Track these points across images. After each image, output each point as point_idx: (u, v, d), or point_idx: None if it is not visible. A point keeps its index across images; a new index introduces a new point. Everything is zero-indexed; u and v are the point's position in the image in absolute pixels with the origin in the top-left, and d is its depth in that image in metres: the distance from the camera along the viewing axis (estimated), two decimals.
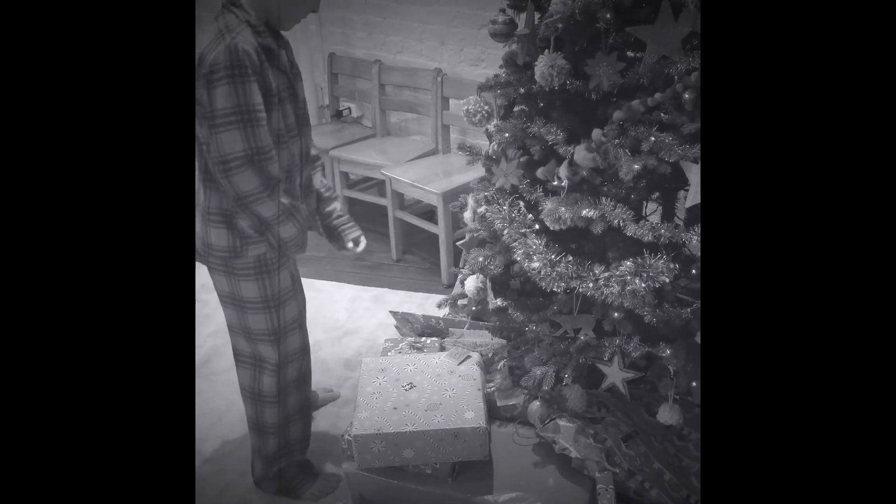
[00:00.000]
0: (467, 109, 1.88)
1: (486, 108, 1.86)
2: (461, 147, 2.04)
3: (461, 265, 2.37)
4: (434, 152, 3.29)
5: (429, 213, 3.31)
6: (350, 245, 1.93)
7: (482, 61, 3.13)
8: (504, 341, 2.06)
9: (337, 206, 1.94)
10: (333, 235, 1.94)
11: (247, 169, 1.52)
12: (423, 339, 2.12)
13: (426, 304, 2.89)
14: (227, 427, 2.28)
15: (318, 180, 1.91)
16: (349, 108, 3.70)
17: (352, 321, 2.79)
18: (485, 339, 2.04)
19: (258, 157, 1.52)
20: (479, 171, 2.17)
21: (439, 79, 3.17)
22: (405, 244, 3.30)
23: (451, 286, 3.00)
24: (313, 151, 1.87)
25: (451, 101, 3.20)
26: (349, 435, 1.77)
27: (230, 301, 1.77)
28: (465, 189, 2.95)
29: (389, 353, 2.12)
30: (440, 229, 2.94)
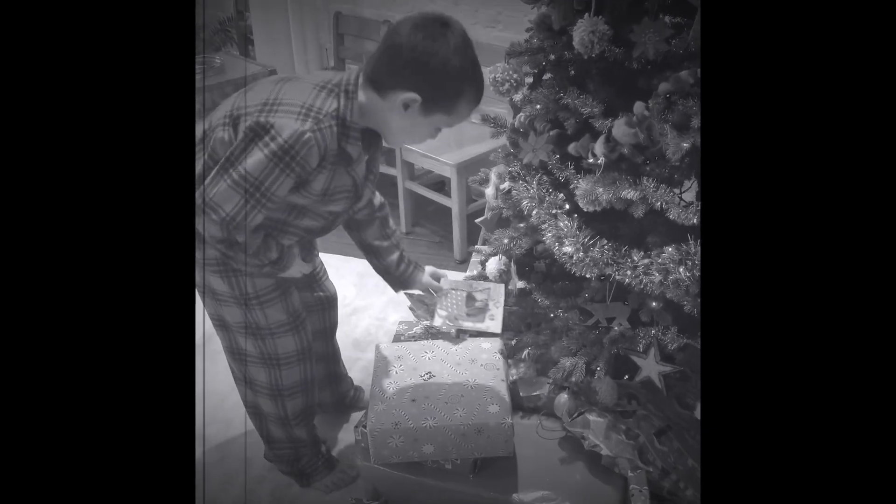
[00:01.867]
0: (494, 78, 1.72)
1: (514, 76, 1.71)
2: (484, 118, 1.89)
3: (480, 243, 2.24)
4: None
5: (439, 184, 3.17)
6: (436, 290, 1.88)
7: (498, 23, 2.96)
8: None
9: (394, 258, 1.83)
10: (403, 284, 1.86)
11: (216, 225, 1.38)
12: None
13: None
14: (232, 410, 2.17)
15: (375, 232, 1.80)
16: None
17: (360, 298, 2.67)
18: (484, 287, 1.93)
19: (233, 224, 1.38)
20: (493, 140, 2.02)
21: None
22: (415, 216, 3.16)
23: (464, 262, 2.88)
24: (377, 200, 1.80)
25: None
26: (364, 427, 1.66)
27: (204, 291, 1.64)
28: (480, 160, 2.80)
29: (403, 338, 2.00)
30: (453, 202, 2.80)
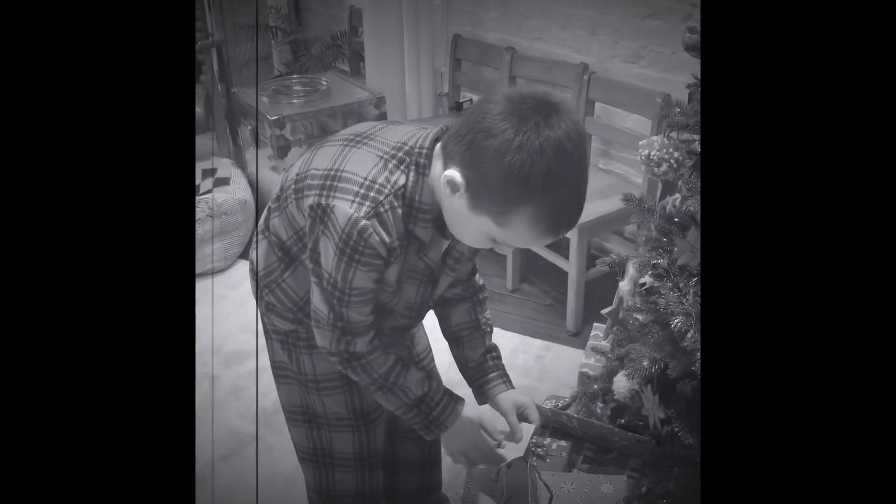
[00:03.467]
0: (648, 155, 1.34)
1: (676, 156, 1.32)
2: (626, 199, 1.50)
3: (605, 335, 1.85)
4: None
5: None
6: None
7: (641, 59, 2.54)
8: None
9: (477, 354, 1.40)
10: (477, 389, 1.40)
11: (329, 332, 1.17)
12: (548, 440, 1.63)
13: (546, 358, 2.38)
14: (300, 498, 1.87)
15: (463, 316, 1.40)
16: (471, 101, 3.19)
17: (454, 371, 2.32)
18: None
19: (342, 325, 1.16)
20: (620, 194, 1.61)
21: (585, 76, 2.60)
22: (523, 271, 2.79)
23: (577, 334, 2.49)
24: (477, 281, 1.42)
25: (598, 105, 2.63)
26: None
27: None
28: (606, 221, 2.41)
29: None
30: (571, 266, 2.41)
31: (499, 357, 1.41)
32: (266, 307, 1.31)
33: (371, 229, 1.05)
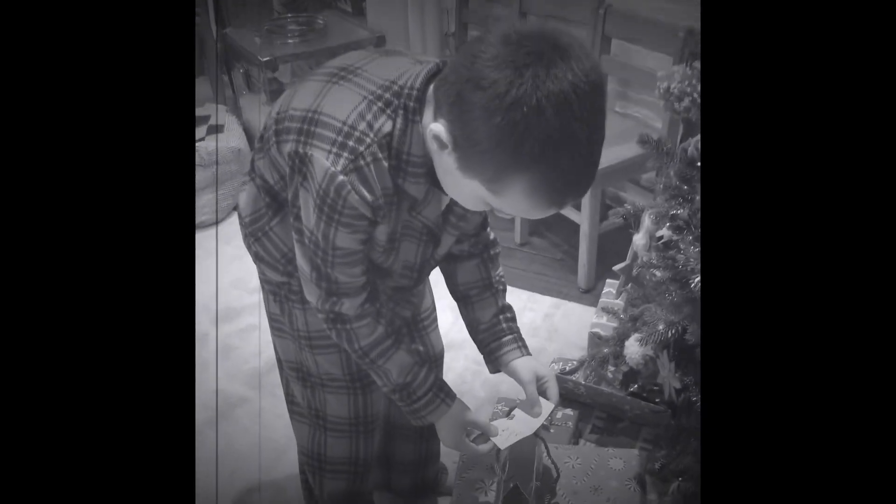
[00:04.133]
0: (667, 88, 1.16)
1: (700, 88, 1.14)
2: (642, 140, 1.33)
3: (617, 293, 1.70)
4: None
5: None
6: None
7: None
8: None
9: (488, 315, 1.25)
10: (488, 356, 1.27)
11: (316, 288, 1.06)
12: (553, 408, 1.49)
13: (555, 316, 2.24)
14: (292, 465, 1.76)
15: (471, 273, 1.25)
16: None
17: (458, 329, 2.17)
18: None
19: (327, 285, 1.05)
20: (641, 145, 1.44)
21: (601, 11, 2.39)
22: (532, 223, 2.63)
23: (588, 291, 2.33)
24: (488, 236, 1.27)
25: (614, 42, 2.42)
26: None
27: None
28: (622, 169, 2.23)
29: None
30: (583, 218, 2.25)
31: (513, 318, 1.27)
32: (255, 257, 1.19)
33: (349, 186, 0.91)
